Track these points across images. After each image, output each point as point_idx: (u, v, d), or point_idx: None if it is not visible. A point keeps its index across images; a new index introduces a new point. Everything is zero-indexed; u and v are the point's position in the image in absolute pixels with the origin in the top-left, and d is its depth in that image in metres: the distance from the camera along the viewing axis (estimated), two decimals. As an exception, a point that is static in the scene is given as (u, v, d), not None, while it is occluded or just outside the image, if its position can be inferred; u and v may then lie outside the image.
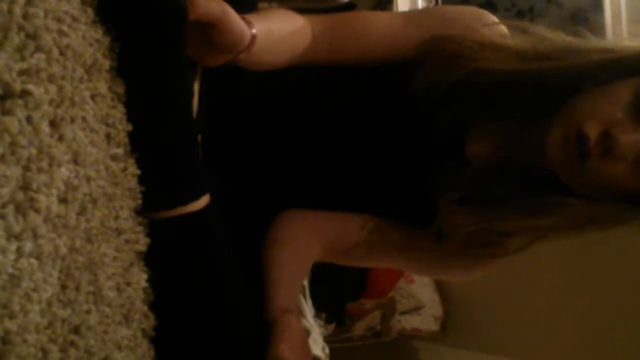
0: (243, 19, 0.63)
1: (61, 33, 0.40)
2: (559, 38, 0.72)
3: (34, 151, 0.36)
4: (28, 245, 0.35)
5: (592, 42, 0.70)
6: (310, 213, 0.79)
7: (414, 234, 0.77)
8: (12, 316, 0.34)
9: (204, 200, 0.55)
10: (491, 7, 2.24)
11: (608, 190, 0.65)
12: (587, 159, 0.63)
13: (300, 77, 0.78)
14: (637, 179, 0.63)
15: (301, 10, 0.77)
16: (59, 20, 0.40)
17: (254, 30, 0.64)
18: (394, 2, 2.21)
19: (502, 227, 0.71)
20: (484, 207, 0.70)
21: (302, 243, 0.77)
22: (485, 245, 0.74)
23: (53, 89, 0.38)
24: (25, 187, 0.36)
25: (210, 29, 0.59)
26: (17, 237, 0.35)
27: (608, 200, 0.66)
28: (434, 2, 2.30)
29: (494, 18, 0.77)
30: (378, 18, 0.79)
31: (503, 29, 0.77)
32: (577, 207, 0.67)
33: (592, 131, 0.62)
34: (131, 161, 0.50)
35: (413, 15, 0.81)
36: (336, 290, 2.03)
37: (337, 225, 0.79)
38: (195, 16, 0.55)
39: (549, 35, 0.72)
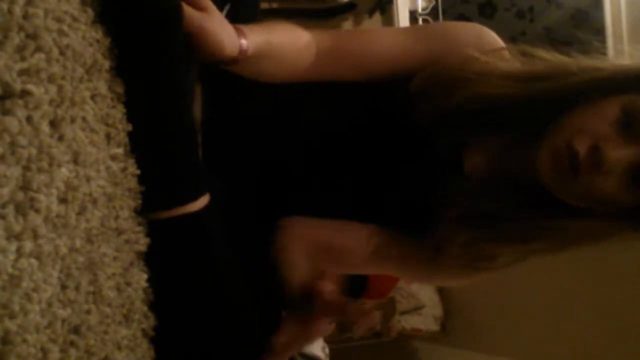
0: (237, 29, 0.63)
1: (61, 33, 0.40)
2: (553, 58, 0.73)
3: (34, 151, 0.36)
4: (28, 245, 0.35)
5: (584, 61, 0.72)
6: (314, 222, 0.79)
7: (413, 244, 0.78)
8: (12, 316, 0.34)
9: (202, 201, 0.55)
10: (491, 7, 2.24)
11: (599, 203, 0.67)
12: (578, 173, 0.65)
13: (303, 81, 0.78)
14: (625, 193, 0.65)
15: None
16: (59, 20, 0.40)
17: (243, 42, 0.63)
18: (394, 2, 2.21)
19: (493, 250, 0.73)
20: (477, 225, 0.72)
21: (305, 252, 0.77)
22: (476, 260, 0.75)
23: (53, 89, 0.38)
24: (25, 187, 0.36)
25: (188, 37, 0.58)
26: (17, 237, 0.35)
27: (602, 213, 0.68)
28: (434, 2, 2.30)
29: (493, 35, 0.79)
30: (381, 36, 0.80)
31: (502, 46, 0.78)
32: (570, 228, 0.69)
33: (582, 145, 0.64)
34: (131, 161, 0.50)
35: (415, 32, 0.82)
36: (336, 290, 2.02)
37: (340, 235, 0.79)
38: None
39: (544, 56, 0.74)
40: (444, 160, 0.75)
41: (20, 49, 0.36)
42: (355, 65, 0.78)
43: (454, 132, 0.73)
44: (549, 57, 0.74)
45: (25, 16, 0.36)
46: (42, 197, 0.37)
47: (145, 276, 0.51)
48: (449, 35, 0.78)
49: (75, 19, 0.42)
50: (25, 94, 0.36)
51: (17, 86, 0.35)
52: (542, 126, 0.69)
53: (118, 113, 0.48)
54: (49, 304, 0.38)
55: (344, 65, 0.77)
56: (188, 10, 0.56)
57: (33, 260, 0.36)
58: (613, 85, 0.67)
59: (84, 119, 0.43)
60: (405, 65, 0.77)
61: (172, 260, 0.54)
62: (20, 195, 0.35)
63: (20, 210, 0.35)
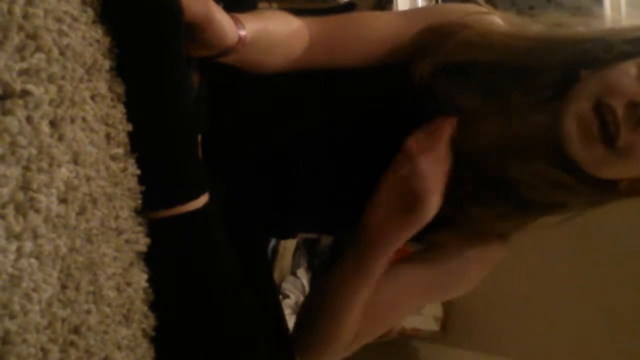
0: (234, 18, 0.62)
1: (61, 33, 0.40)
2: (568, 24, 0.74)
3: (34, 151, 0.36)
4: (28, 245, 0.35)
5: (595, 27, 0.73)
6: None
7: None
8: (12, 316, 0.34)
9: (203, 199, 0.55)
10: (491, 6, 2.23)
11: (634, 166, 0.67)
12: (618, 135, 0.64)
13: (301, 77, 0.77)
14: None
15: (301, 11, 0.77)
16: (59, 20, 0.40)
17: (242, 32, 0.62)
18: (394, 2, 2.20)
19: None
20: (488, 197, 0.72)
21: None
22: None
23: (53, 89, 0.38)
24: (25, 187, 0.36)
25: (192, 27, 0.58)
26: (17, 237, 0.35)
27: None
28: (433, 2, 2.30)
29: (492, 17, 0.77)
30: (376, 19, 0.78)
31: (499, 22, 0.78)
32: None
33: (617, 103, 0.64)
34: (131, 161, 0.50)
35: (411, 14, 0.81)
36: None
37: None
38: None
39: (559, 21, 0.74)
40: None
41: (20, 49, 0.36)
42: (349, 51, 0.76)
43: (454, 102, 0.72)
44: (562, 21, 0.74)
45: (25, 16, 0.36)
46: (42, 197, 0.37)
47: (145, 276, 0.51)
48: (446, 14, 0.77)
49: (75, 19, 0.42)
50: (25, 94, 0.36)
51: (17, 86, 0.35)
52: (551, 93, 0.69)
53: (118, 113, 0.48)
54: (49, 304, 0.38)
55: (337, 51, 0.76)
56: (192, 1, 0.55)
57: (33, 260, 0.36)
58: (627, 48, 0.67)
59: (84, 119, 0.43)
60: (400, 50, 0.76)
61: (172, 260, 0.54)
62: (20, 195, 0.35)
63: (20, 210, 0.35)
